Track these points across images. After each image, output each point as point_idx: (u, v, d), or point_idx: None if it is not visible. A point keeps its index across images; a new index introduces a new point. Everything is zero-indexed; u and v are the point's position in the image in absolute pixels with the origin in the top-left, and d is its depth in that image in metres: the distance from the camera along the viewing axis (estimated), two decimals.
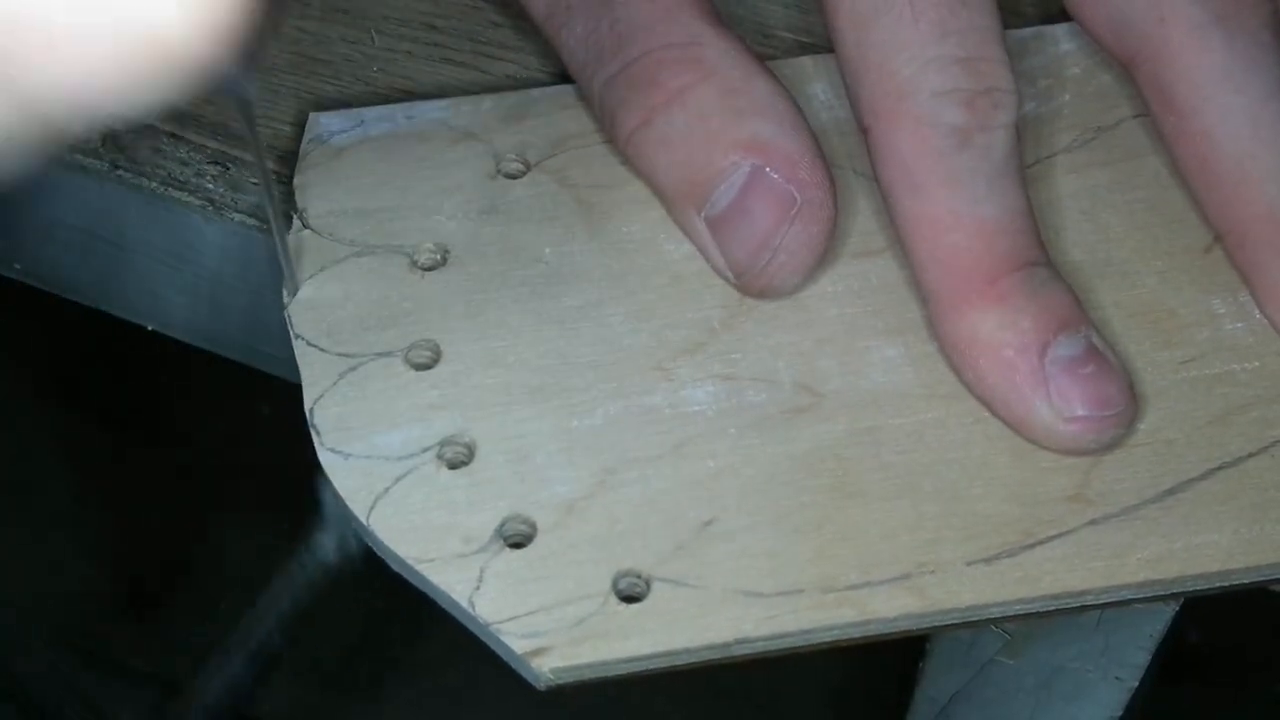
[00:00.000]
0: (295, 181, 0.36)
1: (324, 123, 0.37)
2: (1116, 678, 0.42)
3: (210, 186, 0.38)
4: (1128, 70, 0.36)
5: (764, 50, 0.40)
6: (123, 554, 0.78)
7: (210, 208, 0.38)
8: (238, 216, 0.38)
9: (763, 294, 0.35)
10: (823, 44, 0.40)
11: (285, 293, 0.35)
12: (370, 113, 0.37)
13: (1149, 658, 0.41)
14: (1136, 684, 0.42)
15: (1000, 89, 0.33)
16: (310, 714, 0.80)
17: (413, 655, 0.75)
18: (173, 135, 0.39)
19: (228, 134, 0.39)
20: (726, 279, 0.35)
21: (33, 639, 0.83)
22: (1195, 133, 0.34)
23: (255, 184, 0.36)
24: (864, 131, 0.34)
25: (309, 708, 0.80)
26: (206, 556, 0.78)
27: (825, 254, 0.34)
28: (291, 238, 0.35)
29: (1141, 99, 0.36)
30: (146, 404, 0.76)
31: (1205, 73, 0.34)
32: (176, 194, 0.38)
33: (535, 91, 0.38)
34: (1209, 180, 0.35)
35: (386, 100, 0.39)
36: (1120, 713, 0.43)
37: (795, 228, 0.34)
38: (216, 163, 0.38)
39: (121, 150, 0.39)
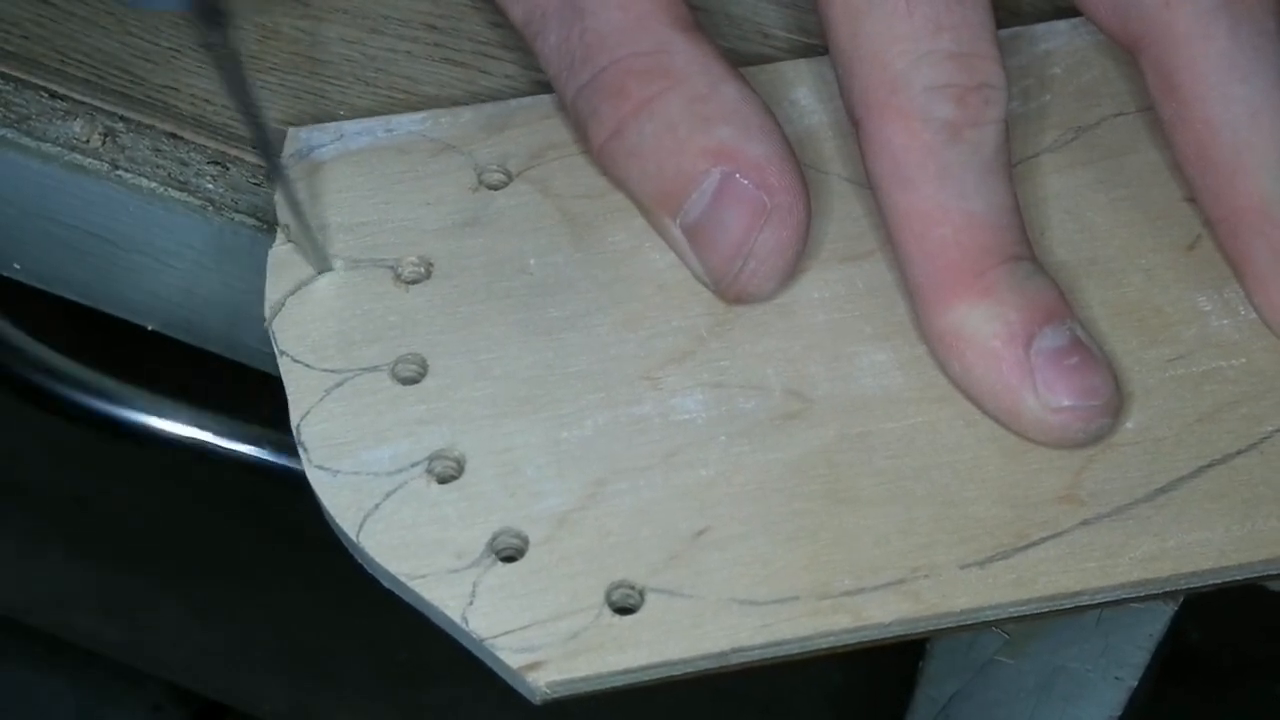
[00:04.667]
0: (276, 197, 0.36)
1: (304, 137, 0.37)
2: (1116, 678, 0.42)
3: (210, 186, 0.38)
4: (1131, 55, 0.36)
5: (762, 50, 0.40)
6: (122, 554, 0.78)
7: (210, 208, 0.38)
8: (238, 216, 0.38)
9: (739, 300, 0.35)
10: (821, 44, 0.40)
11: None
12: (349, 126, 0.37)
13: (1149, 657, 0.41)
14: (1136, 684, 0.42)
15: (992, 85, 0.34)
16: (309, 714, 0.80)
17: (415, 658, 0.75)
18: (173, 135, 0.39)
19: (227, 134, 0.39)
20: (706, 285, 0.35)
21: (34, 639, 0.83)
22: (1195, 120, 0.34)
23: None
24: (855, 124, 0.34)
25: (308, 708, 0.80)
26: (205, 556, 0.78)
27: (799, 259, 0.34)
28: (274, 252, 0.35)
29: (1143, 84, 0.36)
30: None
31: (1209, 60, 0.34)
32: (176, 194, 0.38)
33: (514, 101, 0.38)
34: (1205, 168, 0.35)
35: (388, 100, 0.39)
36: (1120, 713, 0.43)
37: (766, 233, 0.34)
38: (216, 163, 0.38)
39: (121, 150, 0.39)
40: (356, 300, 0.35)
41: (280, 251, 0.35)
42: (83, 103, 0.39)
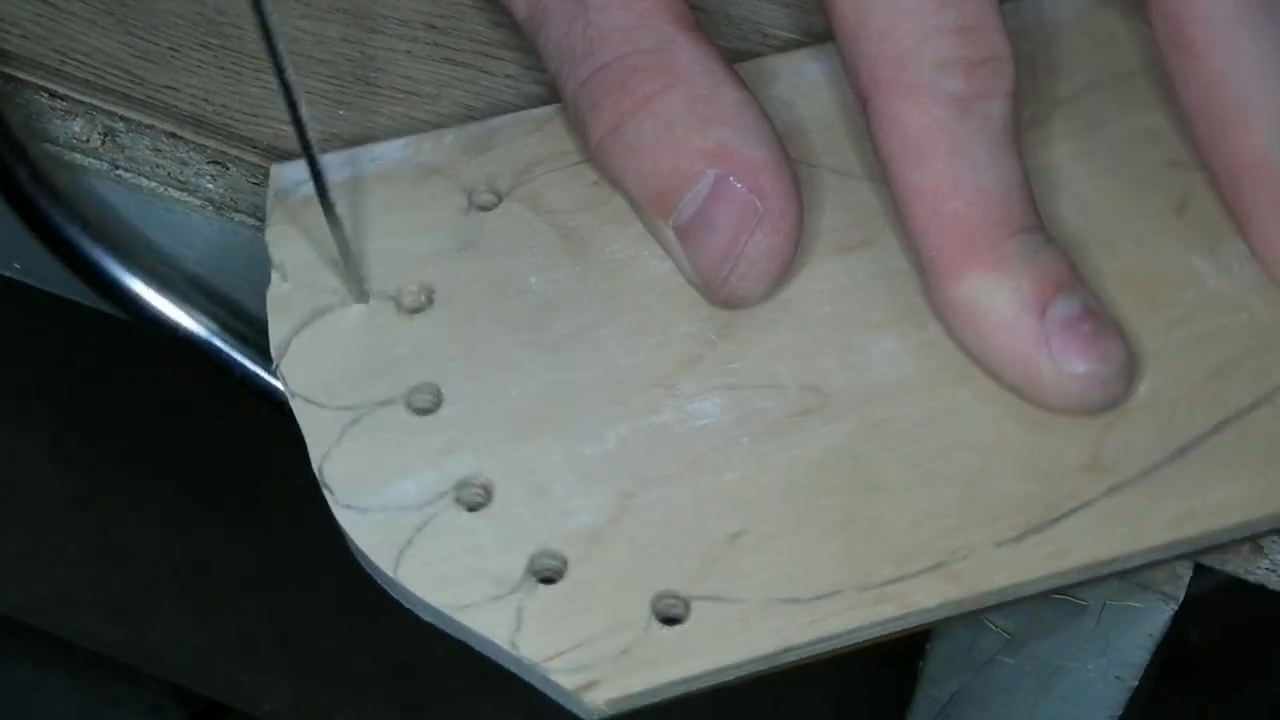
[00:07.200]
0: (267, 236, 0.35)
1: (287, 174, 0.36)
2: (1116, 677, 0.42)
3: (210, 186, 0.38)
4: (1143, 7, 0.36)
5: (761, 50, 0.40)
6: (122, 555, 0.78)
7: (210, 208, 0.38)
8: (238, 216, 0.38)
9: (727, 303, 0.35)
10: (822, 44, 0.40)
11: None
12: (331, 159, 0.36)
13: (1149, 657, 0.41)
14: (1136, 684, 0.42)
15: (999, 58, 0.34)
16: (309, 714, 0.80)
17: (415, 658, 0.75)
18: (173, 135, 0.39)
19: (228, 134, 0.39)
20: (696, 288, 0.35)
21: (34, 639, 0.83)
22: (1202, 73, 0.35)
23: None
24: (862, 102, 0.34)
25: (308, 708, 0.80)
26: (205, 556, 0.78)
27: (790, 265, 0.34)
28: (272, 294, 0.35)
29: (1153, 38, 0.36)
30: (145, 404, 0.76)
31: (1220, 13, 0.34)
32: (176, 194, 0.38)
33: (495, 120, 0.37)
34: (1210, 121, 0.35)
35: (388, 100, 0.39)
36: (1120, 713, 0.43)
37: (757, 237, 0.34)
38: (216, 163, 0.38)
39: (121, 150, 0.39)
40: (362, 334, 0.34)
41: (279, 292, 0.35)
42: (83, 103, 0.39)
